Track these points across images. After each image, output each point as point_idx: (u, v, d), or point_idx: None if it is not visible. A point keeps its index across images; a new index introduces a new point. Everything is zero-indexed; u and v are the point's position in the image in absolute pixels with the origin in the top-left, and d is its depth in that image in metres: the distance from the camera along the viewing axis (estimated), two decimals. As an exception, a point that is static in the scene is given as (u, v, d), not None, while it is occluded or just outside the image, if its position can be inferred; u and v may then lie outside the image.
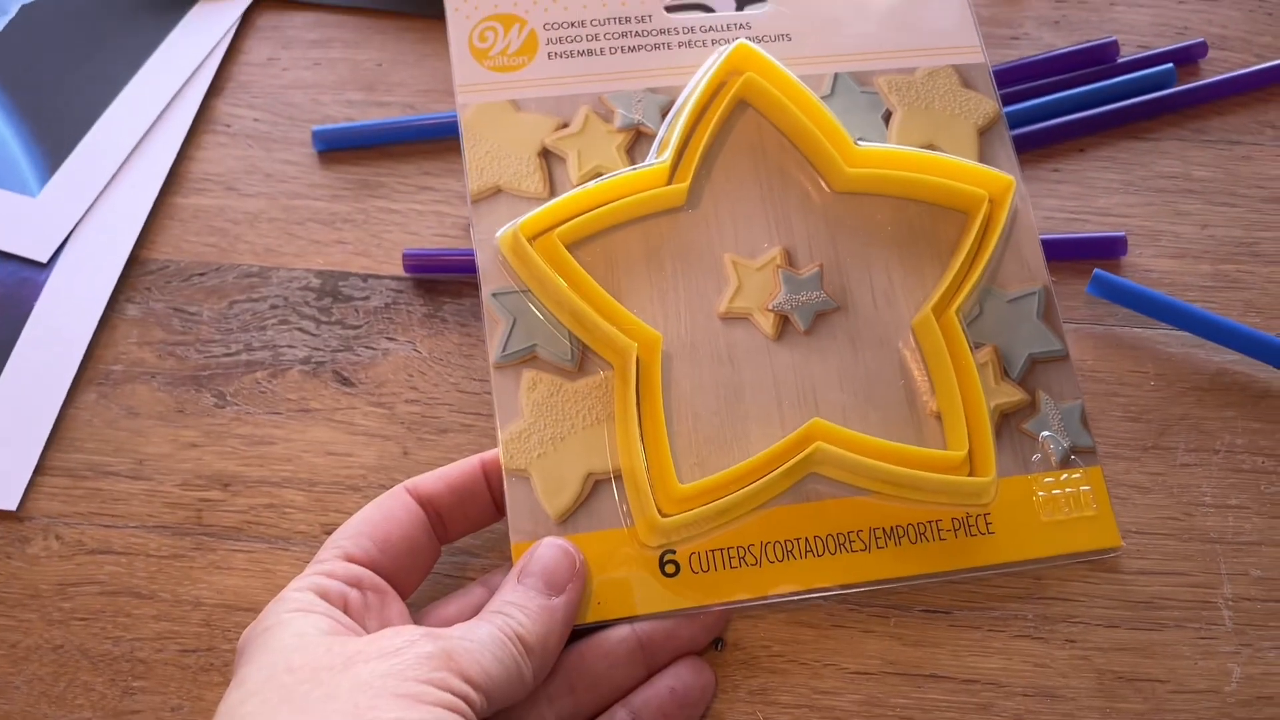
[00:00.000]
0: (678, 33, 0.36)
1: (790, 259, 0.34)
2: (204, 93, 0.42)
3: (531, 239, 0.32)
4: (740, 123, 0.35)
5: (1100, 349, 0.35)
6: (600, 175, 0.34)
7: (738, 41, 0.35)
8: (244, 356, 0.36)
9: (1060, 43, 0.42)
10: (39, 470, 0.34)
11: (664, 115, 0.35)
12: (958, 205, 0.34)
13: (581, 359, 0.32)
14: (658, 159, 0.34)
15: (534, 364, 0.32)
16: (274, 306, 0.37)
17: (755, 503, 0.30)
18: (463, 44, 0.35)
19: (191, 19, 0.45)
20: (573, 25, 0.35)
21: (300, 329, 0.37)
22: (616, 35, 0.35)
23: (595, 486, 0.30)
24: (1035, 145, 0.39)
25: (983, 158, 0.35)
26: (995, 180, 0.34)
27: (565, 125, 0.35)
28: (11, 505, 0.34)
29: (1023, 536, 0.31)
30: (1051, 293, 0.33)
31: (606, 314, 0.31)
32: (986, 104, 0.36)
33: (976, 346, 0.32)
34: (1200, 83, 0.40)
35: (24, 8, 0.45)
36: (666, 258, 0.33)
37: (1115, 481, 0.33)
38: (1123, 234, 0.37)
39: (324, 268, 0.38)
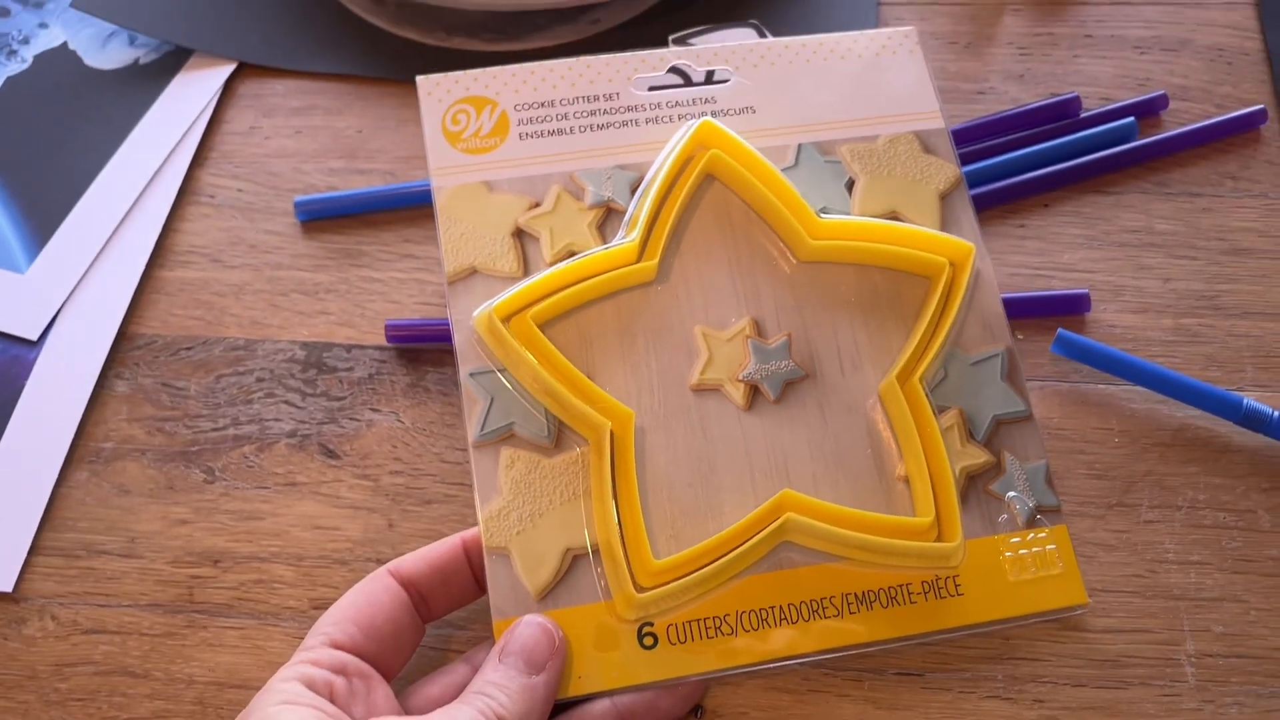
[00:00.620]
0: (645, 109, 0.36)
1: (759, 329, 0.34)
2: (188, 163, 0.43)
3: (506, 320, 0.33)
4: (707, 197, 0.36)
5: (1065, 406, 0.36)
6: (573, 253, 0.35)
7: (702, 119, 0.36)
8: (231, 431, 0.37)
9: (1025, 95, 0.43)
10: (34, 551, 0.35)
11: (633, 191, 0.36)
12: (919, 272, 0.35)
13: (558, 435, 0.33)
14: (627, 237, 0.35)
15: (512, 441, 0.33)
16: (260, 379, 0.38)
17: (729, 574, 0.31)
18: (436, 128, 0.36)
19: (174, 88, 0.45)
20: (542, 105, 0.36)
21: (286, 402, 0.38)
22: (585, 114, 0.36)
23: (574, 561, 0.31)
24: (1001, 201, 0.40)
25: (945, 221, 0.36)
26: (955, 247, 0.35)
27: (538, 204, 0.35)
28: (7, 587, 0.34)
29: (991, 597, 0.31)
30: (1015, 354, 0.34)
31: (580, 392, 0.32)
32: (947, 169, 0.37)
33: (942, 410, 0.33)
34: (1161, 136, 0.41)
35: (9, 80, 0.46)
36: (639, 332, 0.34)
37: (1081, 539, 0.34)
38: (1086, 291, 0.38)
39: (309, 339, 0.39)
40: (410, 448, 0.37)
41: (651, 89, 0.37)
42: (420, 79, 0.36)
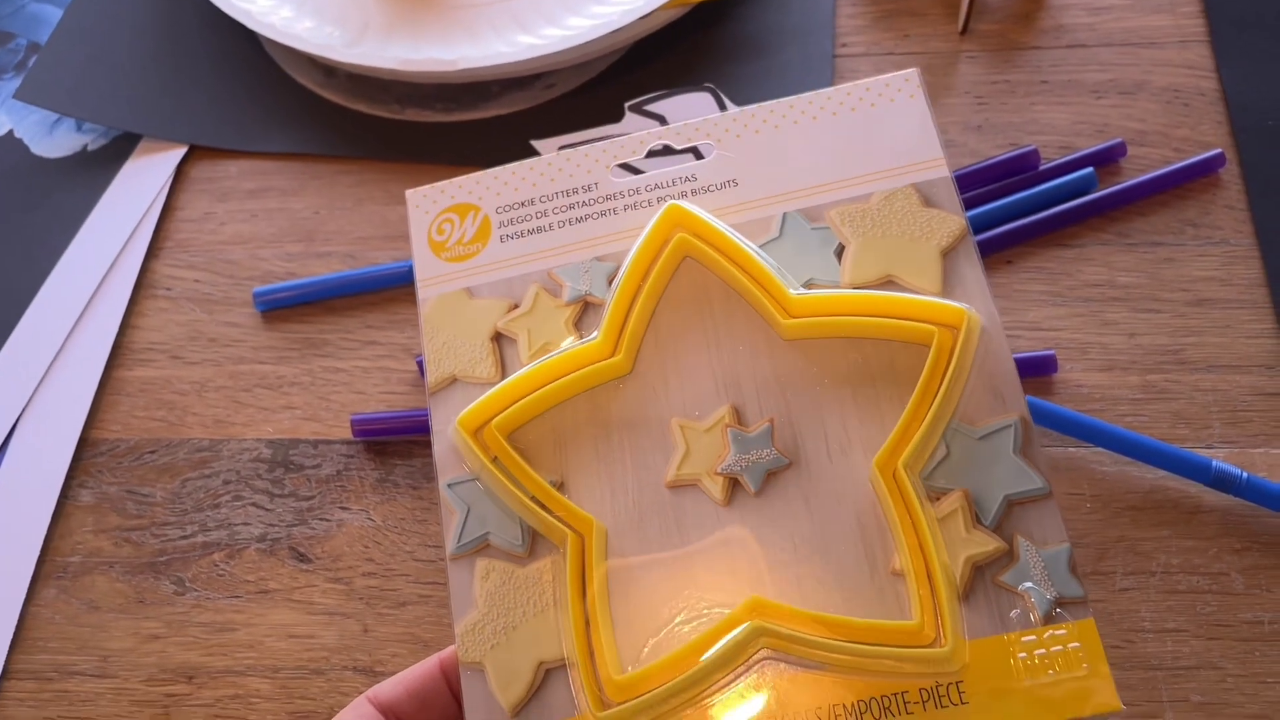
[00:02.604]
0: (623, 195, 0.36)
1: (739, 417, 0.33)
2: (143, 255, 0.43)
3: (475, 429, 0.33)
4: (683, 282, 0.35)
5: (1037, 472, 0.36)
6: (549, 351, 0.34)
7: (668, 204, 0.35)
8: (200, 538, 0.37)
9: (984, 146, 0.43)
10: (6, 675, 0.35)
11: (610, 282, 0.35)
12: (911, 342, 0.33)
13: (532, 543, 0.32)
14: (599, 332, 0.34)
15: (487, 552, 0.32)
16: (227, 482, 0.38)
17: (696, 690, 0.30)
18: (423, 239, 0.36)
19: (125, 175, 0.45)
20: (523, 205, 0.36)
21: (254, 504, 0.37)
22: (564, 208, 0.36)
23: (548, 675, 0.31)
24: (964, 260, 0.40)
25: (947, 280, 0.34)
26: (948, 312, 0.32)
27: (516, 306, 0.35)
28: (-21, 716, 0.34)
29: (1001, 705, 0.29)
30: (1030, 424, 0.31)
31: (548, 504, 0.32)
32: (950, 221, 0.34)
33: (944, 493, 0.31)
34: (1120, 186, 0.41)
35: (-45, 173, 0.45)
36: (613, 429, 0.33)
37: (1057, 611, 0.34)
38: (1052, 352, 0.38)
39: (274, 436, 0.39)
40: (382, 547, 0.36)
41: (629, 173, 0.36)
42: (410, 193, 0.36)
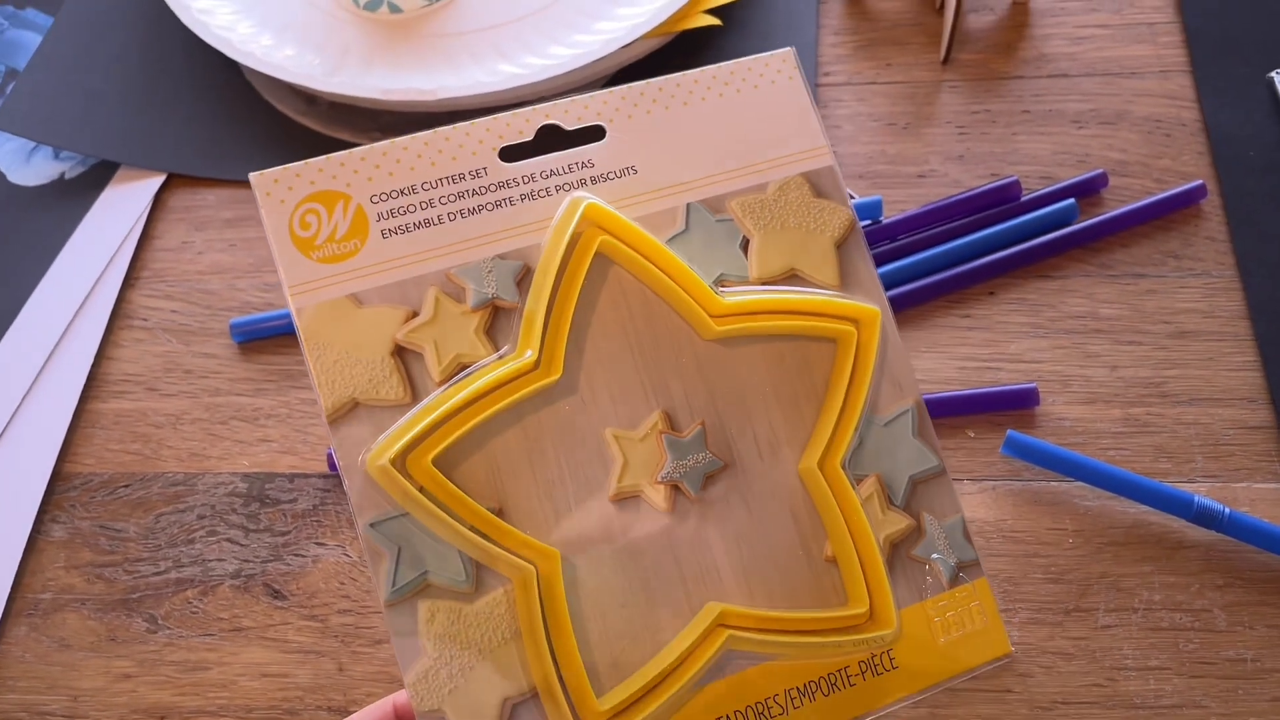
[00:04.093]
0: (518, 184, 0.33)
1: (671, 422, 0.33)
2: (119, 284, 0.42)
3: (401, 462, 0.31)
4: (603, 286, 0.34)
5: (1019, 507, 0.36)
6: (463, 366, 0.32)
7: (586, 202, 0.33)
8: (173, 574, 0.36)
9: (965, 176, 0.43)
10: (-28, 717, 0.34)
11: (518, 282, 0.33)
12: (826, 339, 0.34)
13: (476, 577, 0.31)
14: (520, 349, 0.32)
15: (428, 592, 0.30)
16: (201, 516, 0.37)
17: (677, 700, 0.30)
18: (283, 236, 0.32)
19: (102, 204, 0.44)
20: (403, 194, 0.32)
21: (229, 539, 0.37)
22: (452, 198, 0.33)
23: (514, 710, 0.30)
24: (946, 291, 0.40)
25: (843, 273, 0.34)
26: (858, 311, 0.33)
27: (415, 314, 0.32)
28: (-55, 758, 0.33)
29: (924, 664, 0.31)
30: (923, 407, 0.33)
31: (497, 536, 0.31)
32: (840, 213, 0.34)
33: (860, 479, 0.32)
34: (1102, 217, 0.41)
35: (-69, 201, 0.45)
36: (549, 449, 0.32)
37: (1040, 649, 0.34)
38: (1034, 385, 0.38)
39: (250, 470, 0.38)
40: (358, 583, 0.36)
41: (522, 159, 0.34)
42: (254, 176, 0.31)
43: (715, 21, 0.44)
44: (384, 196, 0.32)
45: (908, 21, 0.47)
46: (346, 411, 0.31)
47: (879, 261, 0.41)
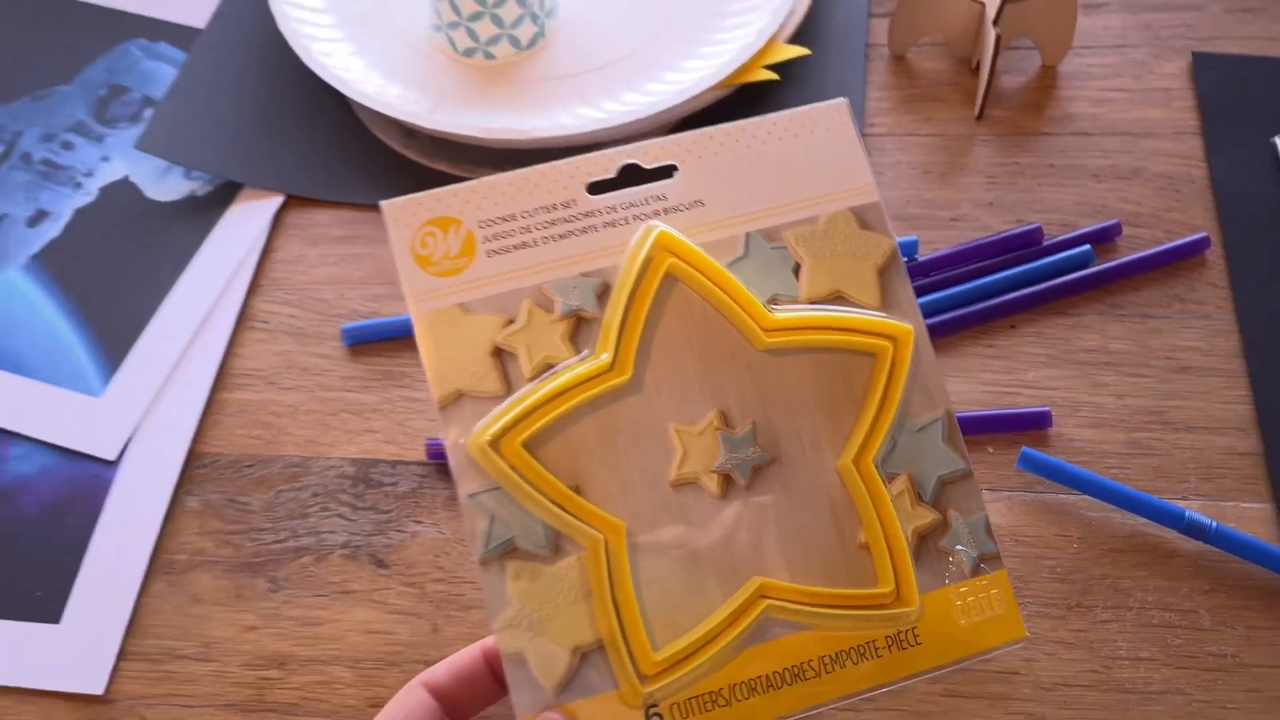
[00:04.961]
0: (601, 213, 0.38)
1: (726, 420, 0.37)
2: (244, 291, 0.48)
3: (496, 445, 0.36)
4: (669, 301, 0.38)
5: (1030, 515, 0.41)
6: (549, 366, 0.37)
7: (658, 230, 0.38)
8: (291, 543, 0.42)
9: (994, 221, 0.48)
10: (122, 656, 0.40)
11: (599, 297, 0.37)
12: (864, 353, 0.38)
13: (556, 543, 0.36)
14: (599, 350, 0.37)
15: (515, 554, 0.35)
16: (315, 495, 0.43)
17: (720, 659, 0.35)
18: (406, 254, 0.38)
19: (228, 220, 0.50)
20: (505, 220, 0.38)
21: (339, 515, 0.43)
22: (546, 224, 0.38)
23: (583, 658, 0.35)
24: (973, 324, 0.45)
25: (884, 295, 0.38)
26: (894, 329, 0.37)
27: (512, 321, 0.37)
28: (99, 690, 0.39)
29: (945, 642, 0.35)
30: (953, 416, 0.37)
31: (573, 509, 0.36)
32: (883, 243, 0.38)
33: (892, 477, 0.36)
34: (1115, 262, 0.46)
35: (78, 211, 0.51)
36: (619, 439, 0.37)
37: (1044, 638, 0.38)
38: (1048, 409, 0.43)
39: (357, 456, 0.44)
40: (450, 557, 0.41)
41: (605, 191, 0.38)
42: (385, 205, 0.37)
43: (774, 77, 0.50)
44: (490, 222, 0.38)
45: (946, 80, 0.53)
46: (453, 401, 0.37)
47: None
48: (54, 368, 0.47)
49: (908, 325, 0.37)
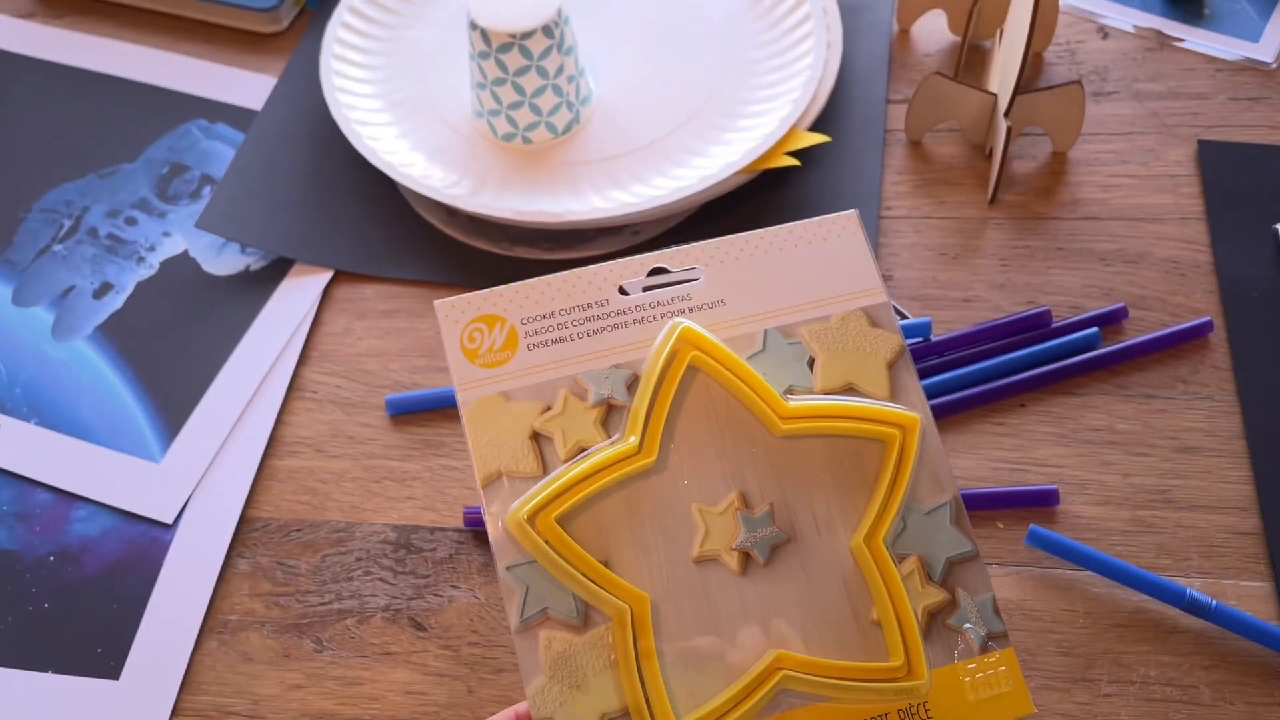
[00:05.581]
0: (631, 311, 0.42)
1: (745, 501, 0.40)
2: (295, 362, 0.51)
3: (532, 520, 0.39)
4: (692, 390, 0.41)
5: (1038, 590, 0.43)
6: (582, 449, 0.40)
7: (680, 322, 0.41)
8: (336, 605, 0.45)
9: (1005, 302, 0.51)
10: (175, 712, 0.42)
11: (629, 388, 0.41)
12: (875, 440, 0.40)
13: (585, 614, 0.38)
14: (628, 434, 0.40)
15: (547, 624, 0.38)
16: (359, 559, 0.46)
17: None
18: (456, 347, 0.41)
19: (281, 293, 0.54)
20: (544, 317, 0.41)
21: (381, 579, 0.45)
22: (581, 321, 0.41)
23: None
24: (984, 403, 0.47)
25: (893, 387, 0.41)
26: (902, 417, 0.40)
27: (549, 408, 0.41)
28: (155, 743, 0.42)
29: (954, 717, 0.37)
30: (960, 500, 0.39)
31: (601, 580, 0.38)
32: (892, 339, 0.41)
33: (903, 558, 0.39)
34: (1121, 345, 0.48)
35: (139, 284, 0.55)
36: (645, 517, 0.40)
37: (1050, 711, 0.40)
38: (1055, 487, 0.45)
39: (398, 522, 0.46)
40: (485, 621, 0.44)
41: (637, 290, 0.42)
42: (438, 304, 0.41)
43: (795, 163, 0.53)
44: (530, 319, 0.42)
45: (960, 165, 0.55)
46: (493, 480, 0.40)
47: (927, 374, 0.48)
48: (117, 434, 0.50)
49: (915, 415, 0.40)
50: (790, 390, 0.41)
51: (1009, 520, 0.44)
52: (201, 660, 0.44)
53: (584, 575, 0.38)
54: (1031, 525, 0.43)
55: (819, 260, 0.43)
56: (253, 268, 0.55)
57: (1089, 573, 0.43)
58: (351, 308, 0.53)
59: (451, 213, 0.55)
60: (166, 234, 0.57)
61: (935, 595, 0.38)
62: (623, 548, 0.39)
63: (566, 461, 0.40)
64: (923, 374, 0.48)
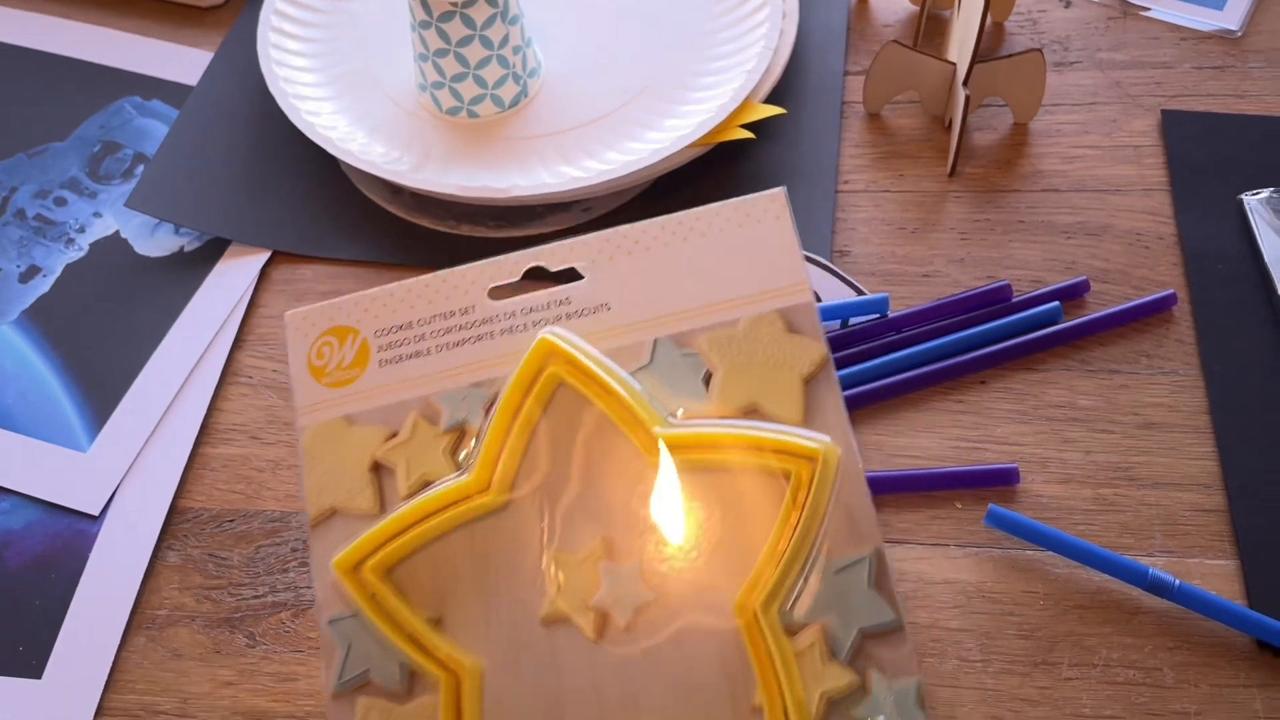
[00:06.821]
0: (500, 319, 0.36)
1: (611, 549, 0.33)
2: (229, 346, 0.49)
3: (356, 567, 0.33)
4: (559, 415, 0.34)
5: (998, 571, 0.41)
6: (428, 483, 0.34)
7: (541, 335, 0.35)
8: (270, 598, 0.43)
9: (965, 277, 0.49)
10: (100, 712, 0.40)
11: (486, 410, 0.35)
12: (774, 475, 0.33)
13: (410, 680, 0.32)
14: (475, 469, 0.34)
15: (368, 689, 0.32)
16: (294, 550, 0.44)
17: None
18: (302, 364, 0.36)
19: (216, 275, 0.52)
20: (401, 328, 0.36)
21: (317, 570, 0.43)
22: (442, 332, 0.35)
23: None
24: (942, 380, 0.46)
25: (808, 408, 0.34)
26: (814, 450, 0.32)
27: (395, 434, 0.35)
28: (77, 745, 0.40)
29: None
30: (883, 556, 0.32)
31: (426, 643, 0.32)
32: (812, 348, 0.34)
33: (801, 627, 0.31)
34: (1083, 319, 0.47)
35: (68, 267, 0.52)
36: (491, 566, 0.33)
37: (1010, 695, 0.39)
38: (1015, 465, 0.43)
39: (336, 511, 0.45)
40: (426, 613, 0.42)
41: (503, 296, 0.36)
42: (289, 315, 0.36)
43: (750, 135, 0.51)
44: (386, 331, 0.36)
45: (920, 138, 0.54)
46: (326, 518, 0.34)
47: (884, 351, 0.47)
48: (41, 422, 0.48)
49: (832, 445, 0.33)
50: (679, 413, 0.34)
51: (968, 500, 0.43)
52: (128, 657, 0.42)
53: (407, 635, 0.32)
54: (991, 505, 0.42)
55: (734, 251, 0.35)
56: (187, 249, 0.53)
57: (1050, 553, 0.41)
58: (290, 289, 0.51)
59: (394, 190, 0.53)
60: (97, 215, 0.54)
61: (839, 677, 0.31)
62: (461, 603, 0.33)
63: (408, 497, 0.34)
64: (880, 351, 0.47)
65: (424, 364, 0.35)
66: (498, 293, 0.36)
